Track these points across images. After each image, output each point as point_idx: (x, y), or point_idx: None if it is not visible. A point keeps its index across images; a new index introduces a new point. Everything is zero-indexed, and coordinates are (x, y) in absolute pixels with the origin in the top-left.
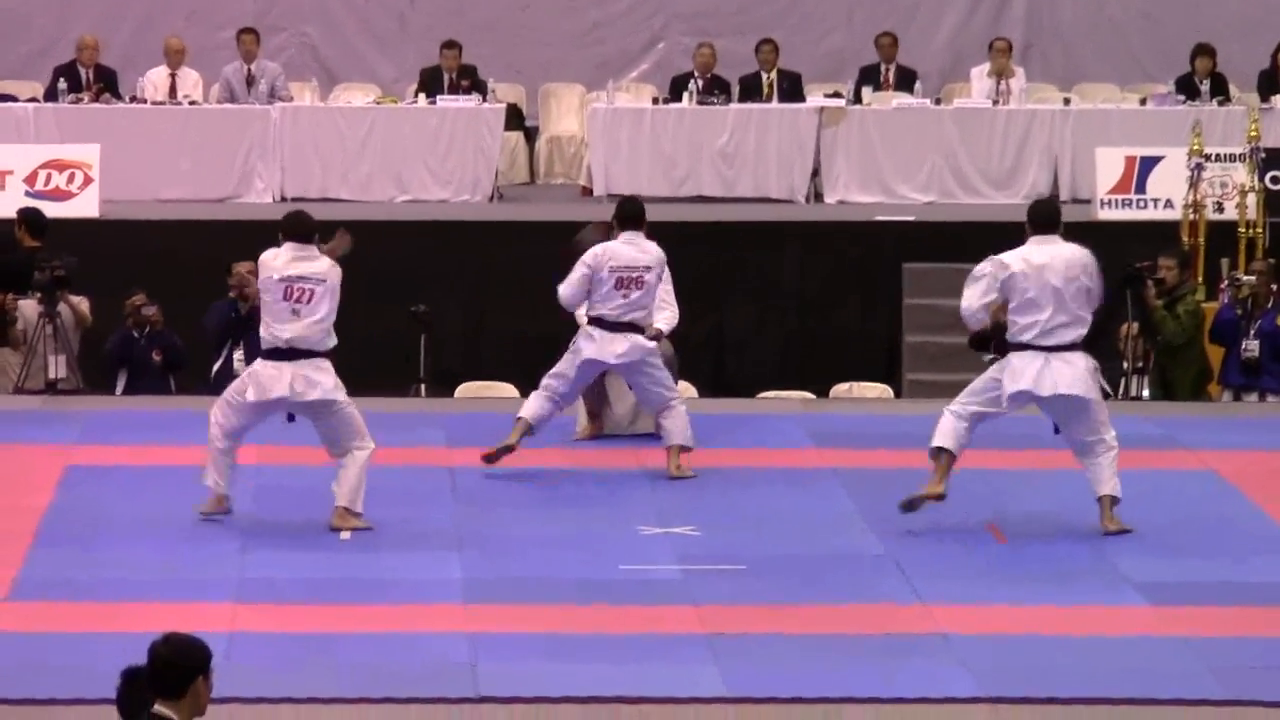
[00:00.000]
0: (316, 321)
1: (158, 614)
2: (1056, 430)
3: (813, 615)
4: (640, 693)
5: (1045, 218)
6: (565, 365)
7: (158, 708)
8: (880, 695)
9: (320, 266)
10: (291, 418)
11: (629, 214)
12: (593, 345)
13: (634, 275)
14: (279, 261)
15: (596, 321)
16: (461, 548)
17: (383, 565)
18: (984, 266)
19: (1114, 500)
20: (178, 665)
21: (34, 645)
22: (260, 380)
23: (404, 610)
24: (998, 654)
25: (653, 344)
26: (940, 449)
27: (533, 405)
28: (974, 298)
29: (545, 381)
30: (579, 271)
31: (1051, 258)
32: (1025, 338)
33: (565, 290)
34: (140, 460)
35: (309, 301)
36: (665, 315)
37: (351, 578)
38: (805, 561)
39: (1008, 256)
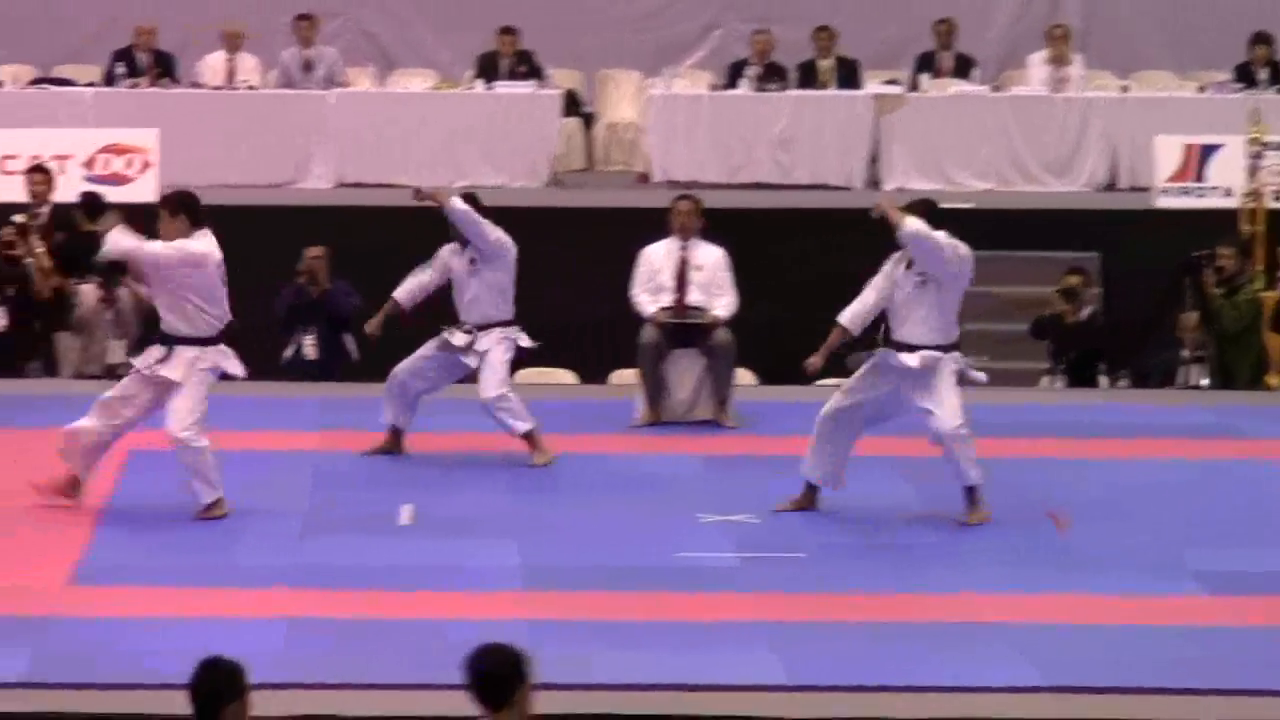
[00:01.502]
0: None
1: (218, 599)
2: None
3: (872, 603)
4: (700, 680)
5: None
6: None
7: None
8: (940, 683)
9: None
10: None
11: None
12: None
13: None
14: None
15: None
16: (520, 534)
17: (442, 551)
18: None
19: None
20: (499, 676)
21: (96, 630)
22: None
23: (463, 597)
24: (1056, 643)
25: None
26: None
27: None
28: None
29: None
30: None
31: None
32: None
33: None
34: None
35: None
36: (723, 302)
37: (410, 564)
38: (864, 550)
39: None
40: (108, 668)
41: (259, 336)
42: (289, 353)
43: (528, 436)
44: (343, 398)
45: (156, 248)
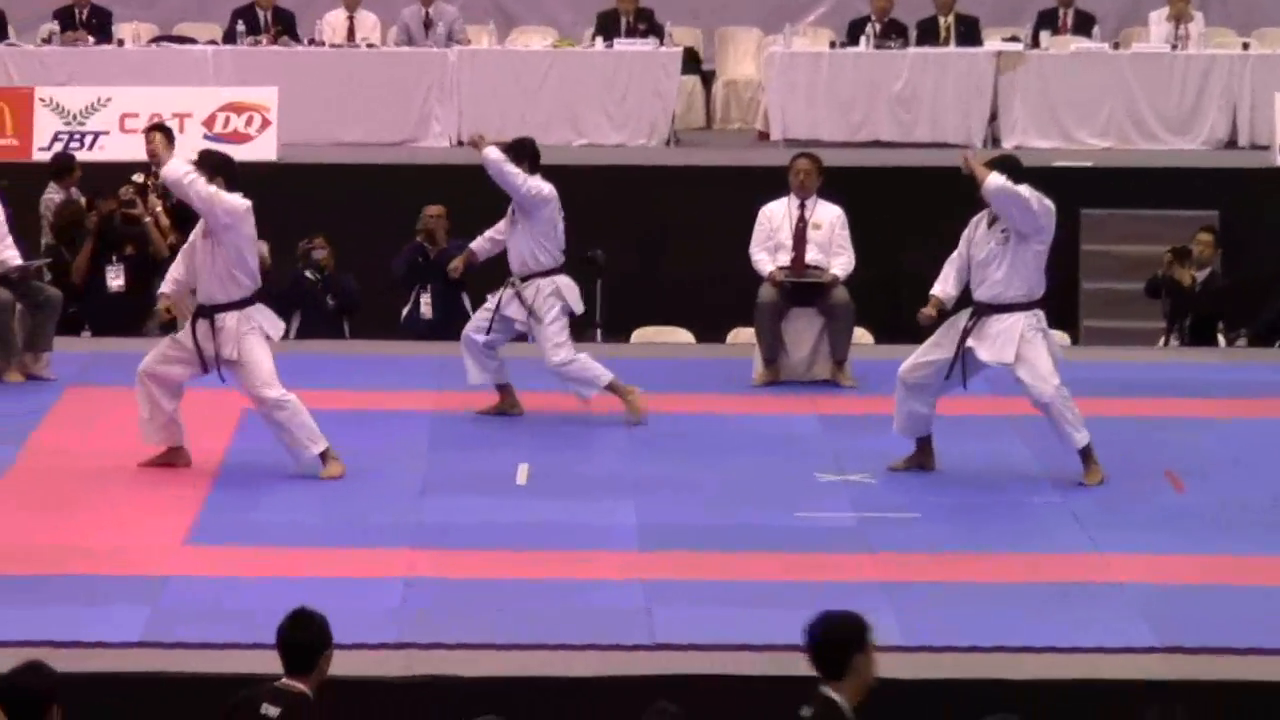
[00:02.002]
0: None
1: (335, 559)
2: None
3: (988, 564)
4: None
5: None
6: None
7: (823, 689)
8: (1056, 644)
9: None
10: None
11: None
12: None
13: None
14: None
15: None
16: (638, 494)
17: (559, 511)
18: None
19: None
20: (835, 643)
21: (212, 589)
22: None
23: (580, 556)
24: (1174, 603)
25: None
26: None
27: None
28: None
29: None
30: None
31: None
32: None
33: None
34: (316, 404)
35: None
36: (841, 261)
37: (528, 523)
38: (981, 510)
39: None
40: (224, 628)
41: (378, 295)
42: (406, 311)
43: (611, 388)
44: (460, 357)
45: (202, 187)
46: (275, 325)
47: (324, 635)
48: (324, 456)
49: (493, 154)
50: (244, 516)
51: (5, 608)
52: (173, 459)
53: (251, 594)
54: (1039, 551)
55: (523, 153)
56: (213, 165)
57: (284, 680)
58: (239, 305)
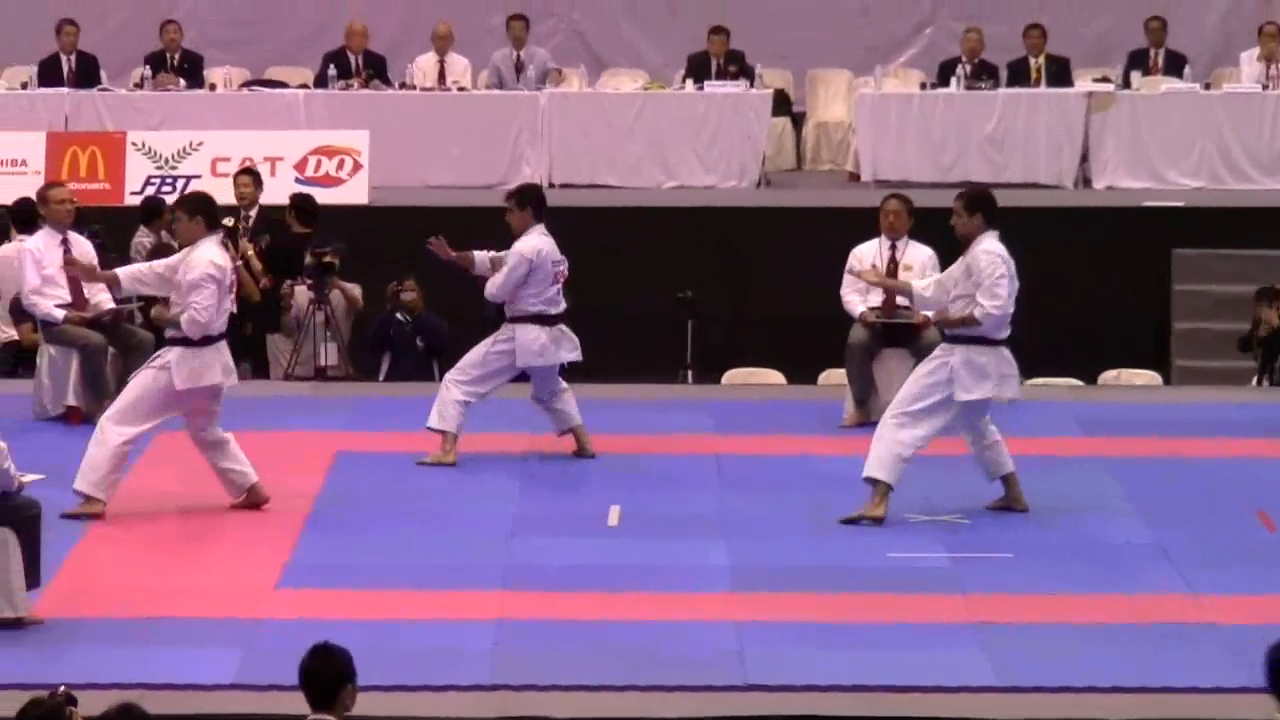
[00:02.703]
0: None
1: (426, 601)
2: None
3: (1081, 604)
4: (908, 681)
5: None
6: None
7: None
8: (1149, 685)
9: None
10: None
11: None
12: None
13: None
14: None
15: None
16: (729, 535)
17: (650, 552)
18: None
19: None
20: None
21: (305, 631)
22: None
23: (671, 598)
24: (1268, 644)
25: None
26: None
27: None
28: None
29: None
30: None
31: None
32: None
33: None
34: (408, 446)
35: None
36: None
37: (618, 564)
38: (1073, 550)
39: None
40: None
41: (472, 336)
42: None
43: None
44: None
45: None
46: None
47: (345, 669)
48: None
49: (492, 291)
50: (336, 559)
51: (100, 649)
52: (254, 499)
53: (343, 636)
54: (1131, 592)
55: (527, 200)
56: (190, 207)
57: (310, 717)
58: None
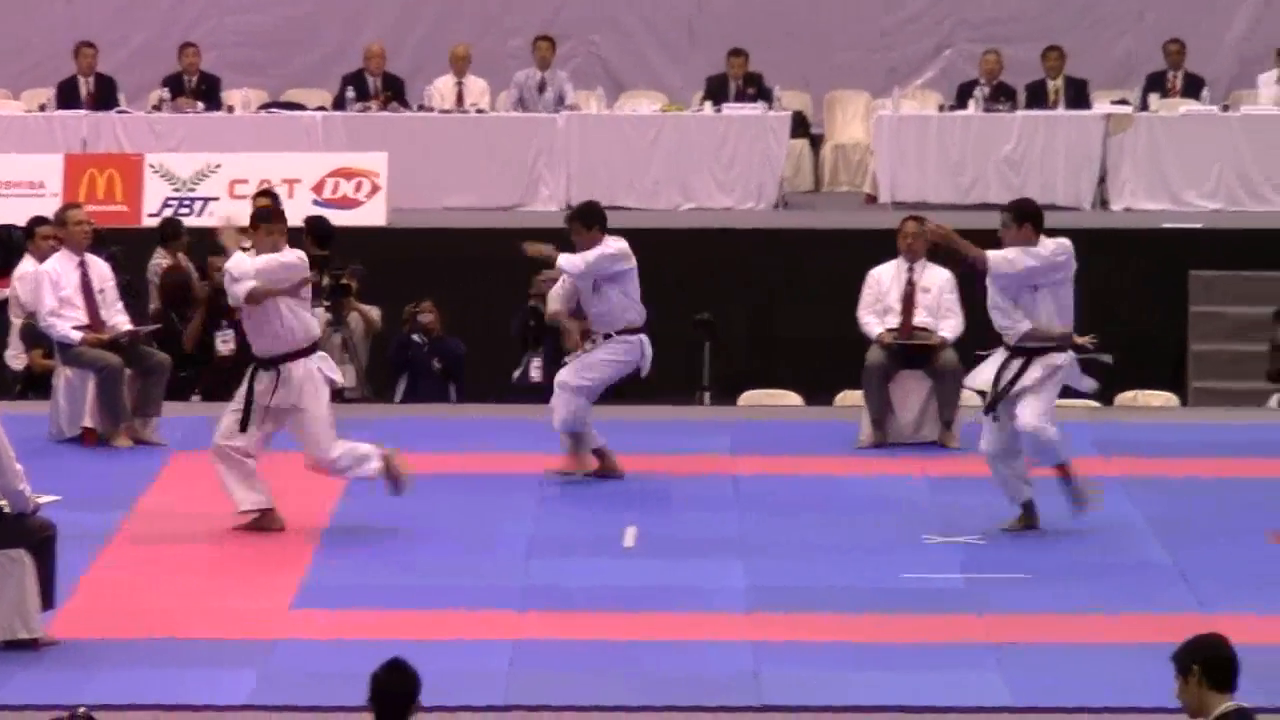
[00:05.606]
0: None
1: (441, 621)
2: None
3: (1098, 624)
4: (925, 702)
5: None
6: None
7: None
8: (1166, 706)
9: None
10: None
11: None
12: None
13: None
14: None
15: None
16: (745, 555)
17: (667, 573)
18: None
19: None
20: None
21: (318, 652)
22: None
23: (688, 618)
24: None
25: None
26: None
27: None
28: None
29: None
30: None
31: None
32: None
33: None
34: (423, 468)
35: None
36: (949, 324)
37: (636, 585)
38: (1090, 570)
39: None
40: (330, 690)
41: (491, 357)
42: (517, 374)
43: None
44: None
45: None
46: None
47: (416, 689)
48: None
49: (569, 264)
50: (349, 579)
51: (114, 670)
52: (269, 523)
53: (357, 657)
54: (1148, 611)
55: (593, 218)
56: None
57: None
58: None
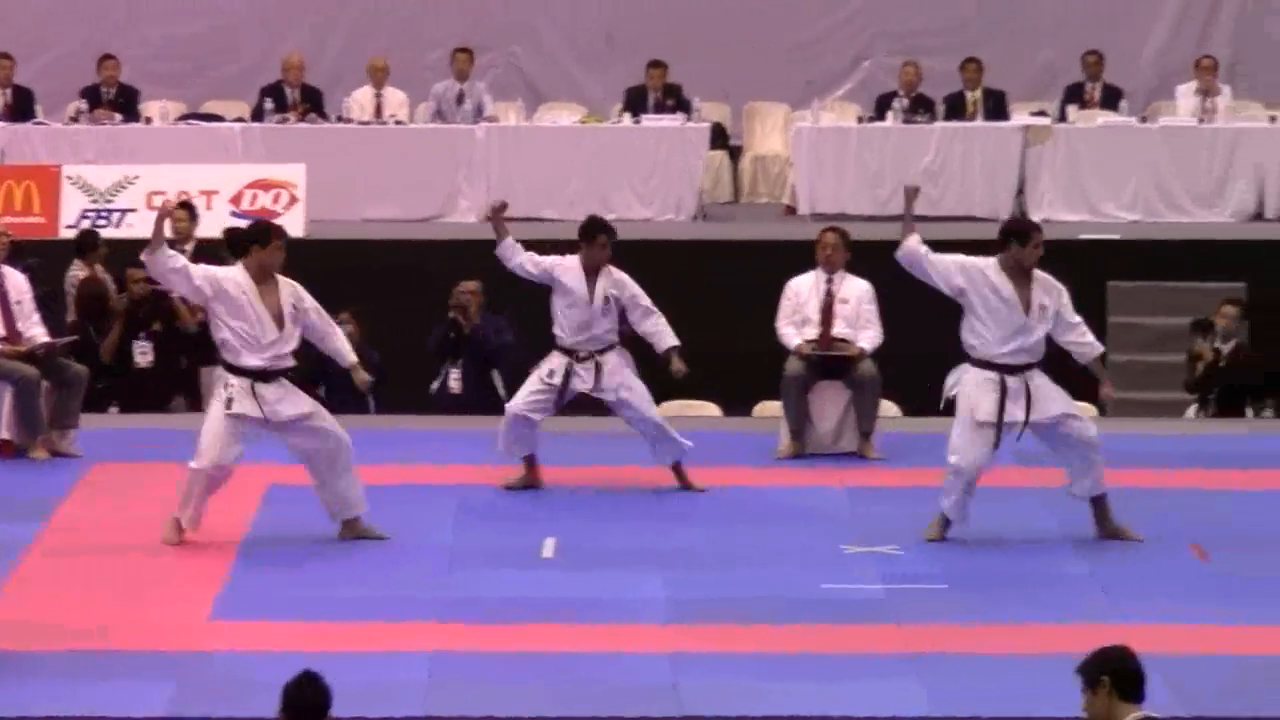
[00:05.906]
0: None
1: (359, 633)
2: None
3: (1015, 635)
4: (844, 712)
5: None
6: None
7: None
8: (1082, 716)
9: None
10: None
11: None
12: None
13: None
14: None
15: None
16: (665, 567)
17: (585, 584)
18: None
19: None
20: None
21: (237, 664)
22: None
23: (607, 629)
24: (1203, 674)
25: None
26: None
27: None
28: None
29: None
30: None
31: None
32: None
33: None
34: None
35: None
36: (868, 335)
37: (555, 597)
38: (1008, 580)
39: None
40: (249, 703)
41: (409, 369)
42: (435, 385)
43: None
44: (488, 431)
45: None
46: None
47: (329, 701)
48: None
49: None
50: (268, 591)
51: (30, 683)
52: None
53: (276, 668)
54: (1066, 622)
55: (612, 233)
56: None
57: None
58: None
